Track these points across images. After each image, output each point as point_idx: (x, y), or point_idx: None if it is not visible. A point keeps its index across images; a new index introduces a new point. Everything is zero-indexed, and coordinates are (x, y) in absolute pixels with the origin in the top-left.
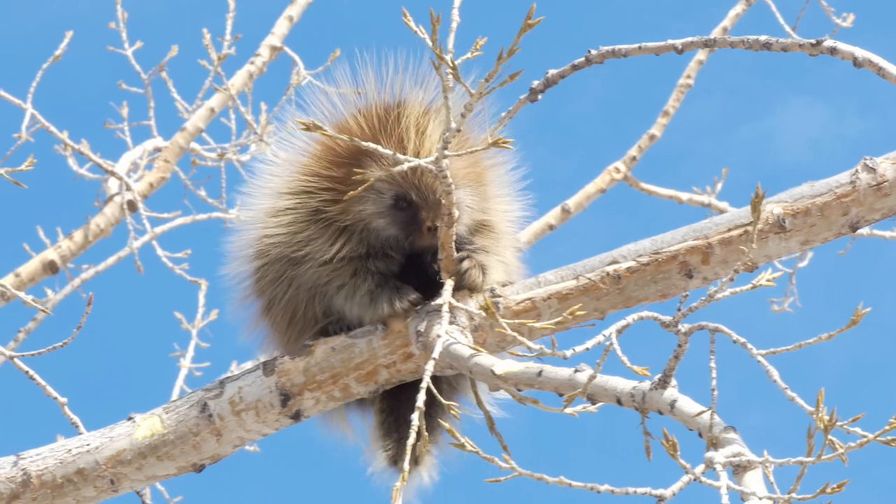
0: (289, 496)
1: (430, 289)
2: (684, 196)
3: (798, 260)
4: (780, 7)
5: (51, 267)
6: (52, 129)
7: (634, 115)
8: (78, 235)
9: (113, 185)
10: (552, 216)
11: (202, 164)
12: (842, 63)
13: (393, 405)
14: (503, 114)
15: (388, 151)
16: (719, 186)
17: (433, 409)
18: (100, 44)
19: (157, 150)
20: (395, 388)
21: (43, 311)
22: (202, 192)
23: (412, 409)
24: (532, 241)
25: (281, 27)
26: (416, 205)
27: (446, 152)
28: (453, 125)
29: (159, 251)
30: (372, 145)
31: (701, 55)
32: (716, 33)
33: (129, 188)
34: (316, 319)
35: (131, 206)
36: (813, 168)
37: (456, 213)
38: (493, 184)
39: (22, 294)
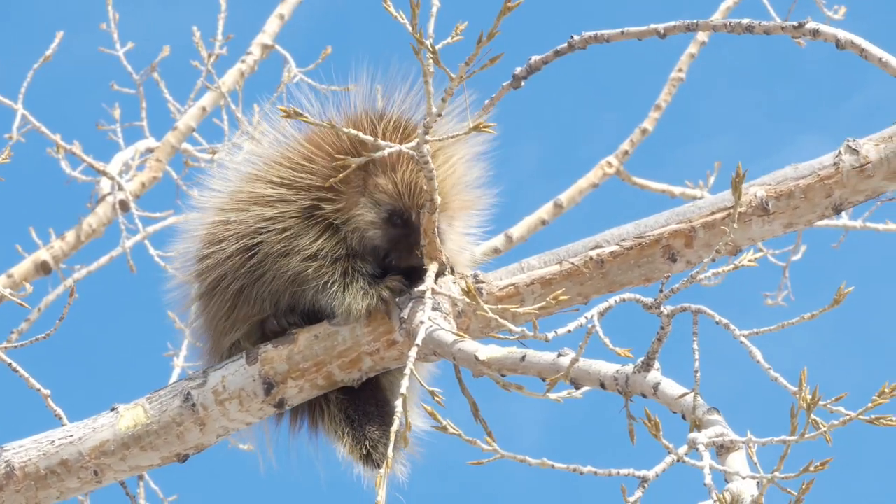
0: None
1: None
2: (677, 190)
3: (791, 253)
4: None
5: (43, 267)
6: (44, 129)
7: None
8: (70, 236)
9: (105, 185)
10: (545, 211)
11: (195, 164)
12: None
13: (350, 413)
14: (486, 101)
15: (369, 138)
16: (712, 180)
17: (386, 407)
18: (91, 45)
19: (150, 150)
20: (350, 398)
21: (22, 304)
22: (195, 192)
23: (370, 412)
24: (525, 237)
25: (272, 25)
26: (411, 225)
27: (427, 137)
28: (434, 109)
29: (152, 250)
30: (353, 131)
31: (692, 48)
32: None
33: (121, 188)
34: (261, 311)
35: (123, 205)
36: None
37: (438, 199)
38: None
39: (8, 292)
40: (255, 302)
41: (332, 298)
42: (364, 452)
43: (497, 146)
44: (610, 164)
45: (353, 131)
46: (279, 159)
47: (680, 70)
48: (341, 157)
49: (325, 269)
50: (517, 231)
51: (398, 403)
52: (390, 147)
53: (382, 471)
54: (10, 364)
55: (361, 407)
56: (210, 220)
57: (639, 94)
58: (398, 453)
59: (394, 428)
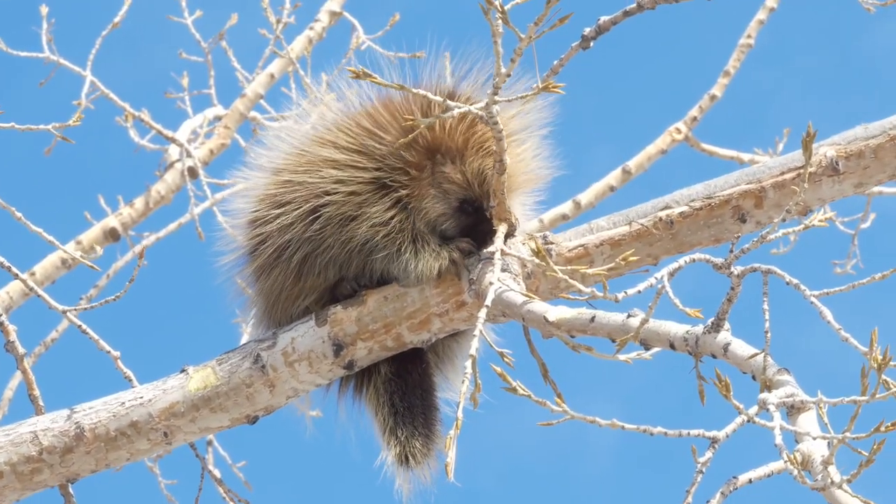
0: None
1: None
2: (746, 156)
3: (860, 221)
4: None
5: (112, 234)
6: (112, 95)
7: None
8: (139, 203)
9: (173, 152)
10: (613, 177)
11: (263, 133)
12: None
13: (395, 400)
14: (555, 62)
15: (438, 98)
16: (781, 146)
17: (431, 400)
18: (159, 12)
19: (218, 118)
20: (398, 379)
21: (93, 267)
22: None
23: (415, 405)
24: (593, 203)
25: None
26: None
27: (496, 98)
28: (503, 70)
29: (220, 217)
30: (422, 91)
31: (761, 14)
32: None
33: (189, 155)
34: (326, 280)
35: (192, 172)
36: None
37: (507, 159)
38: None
39: (79, 255)
40: (320, 272)
41: (405, 264)
42: (401, 453)
43: (564, 111)
44: (678, 131)
45: (422, 91)
46: (351, 125)
47: (749, 36)
48: (410, 118)
49: (395, 235)
50: (585, 197)
51: (468, 364)
52: (459, 107)
53: (452, 432)
54: (80, 326)
55: (407, 397)
56: (271, 180)
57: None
58: (431, 455)
59: (463, 389)
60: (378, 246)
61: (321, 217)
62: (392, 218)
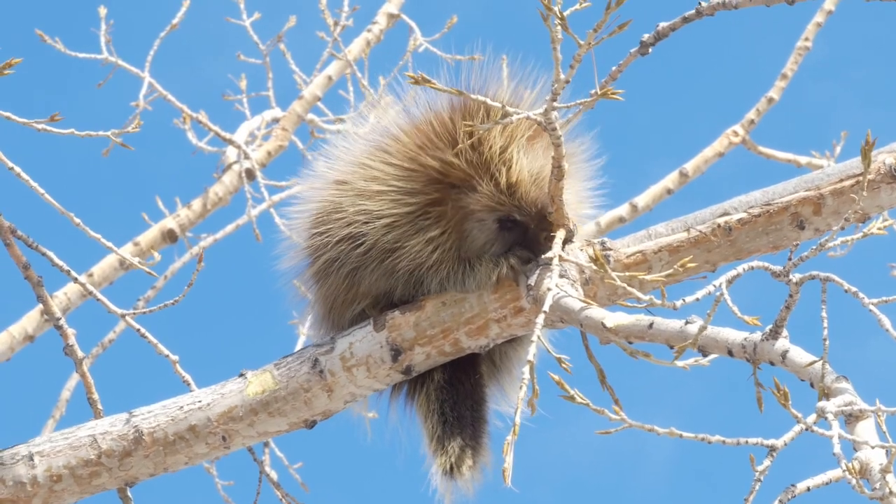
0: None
1: None
2: (803, 160)
3: None
4: None
5: (170, 236)
6: (170, 97)
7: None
8: (196, 204)
9: (231, 154)
10: (670, 180)
11: (320, 136)
12: None
13: (446, 409)
14: (614, 67)
15: (497, 104)
16: (838, 150)
17: (481, 412)
18: (218, 14)
19: (275, 119)
20: (450, 387)
21: (150, 273)
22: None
23: (465, 415)
24: (650, 206)
25: None
26: (522, 223)
27: (555, 104)
28: (562, 76)
29: (277, 219)
30: (481, 98)
31: (819, 17)
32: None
33: (247, 157)
34: (378, 289)
35: (249, 174)
36: None
37: (566, 166)
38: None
39: (137, 261)
40: (371, 284)
41: (461, 279)
42: (446, 466)
43: (621, 115)
44: (736, 133)
45: (481, 98)
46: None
47: (806, 39)
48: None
49: (441, 265)
50: (642, 200)
51: (525, 370)
52: (518, 114)
53: (510, 437)
54: (138, 330)
55: (458, 408)
56: (322, 195)
57: (765, 63)
58: (477, 469)
59: (521, 395)
60: (426, 275)
61: (363, 244)
62: (434, 251)
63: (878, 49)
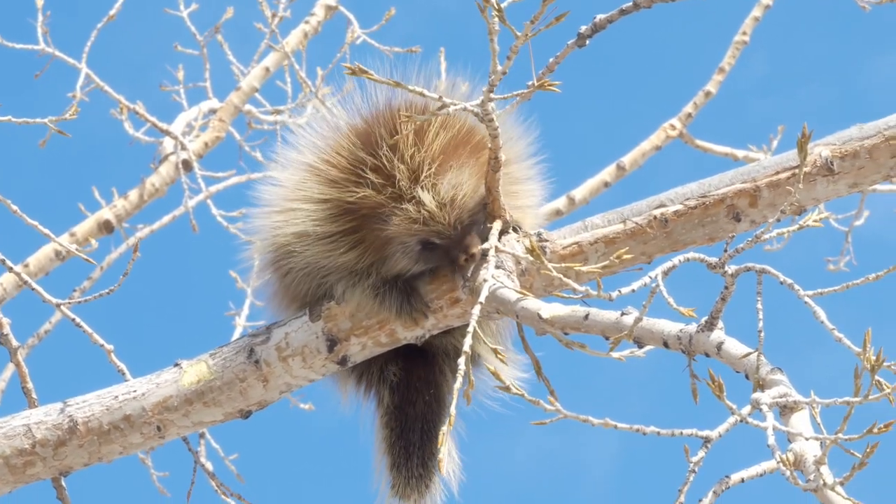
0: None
1: None
2: (740, 153)
3: (854, 218)
4: None
5: (106, 226)
6: (107, 88)
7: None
8: (133, 195)
9: (168, 145)
10: (607, 173)
11: (258, 127)
12: None
13: (393, 439)
14: (551, 59)
15: (434, 95)
16: (775, 143)
17: (435, 431)
18: (156, 5)
19: (213, 111)
20: (398, 414)
21: (88, 260)
22: (257, 154)
23: (420, 439)
24: (587, 199)
25: None
26: (442, 246)
27: (492, 95)
28: (499, 67)
29: (214, 210)
30: (418, 89)
31: (756, 11)
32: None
33: (184, 148)
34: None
35: (186, 165)
36: None
37: (502, 156)
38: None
39: (74, 248)
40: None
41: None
42: (394, 486)
43: (558, 107)
44: (673, 127)
45: (419, 89)
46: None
47: (744, 33)
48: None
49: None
50: (579, 193)
51: (461, 361)
52: (455, 105)
53: (444, 428)
54: (73, 319)
55: (406, 434)
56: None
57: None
58: (425, 495)
59: (456, 385)
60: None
61: (295, 255)
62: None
63: (822, 67)
